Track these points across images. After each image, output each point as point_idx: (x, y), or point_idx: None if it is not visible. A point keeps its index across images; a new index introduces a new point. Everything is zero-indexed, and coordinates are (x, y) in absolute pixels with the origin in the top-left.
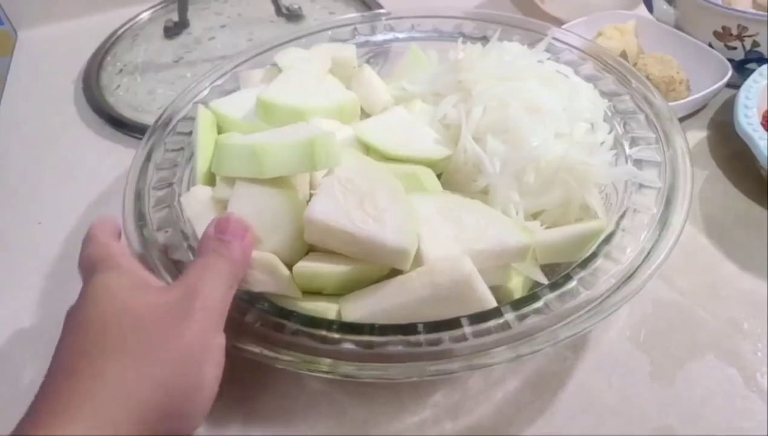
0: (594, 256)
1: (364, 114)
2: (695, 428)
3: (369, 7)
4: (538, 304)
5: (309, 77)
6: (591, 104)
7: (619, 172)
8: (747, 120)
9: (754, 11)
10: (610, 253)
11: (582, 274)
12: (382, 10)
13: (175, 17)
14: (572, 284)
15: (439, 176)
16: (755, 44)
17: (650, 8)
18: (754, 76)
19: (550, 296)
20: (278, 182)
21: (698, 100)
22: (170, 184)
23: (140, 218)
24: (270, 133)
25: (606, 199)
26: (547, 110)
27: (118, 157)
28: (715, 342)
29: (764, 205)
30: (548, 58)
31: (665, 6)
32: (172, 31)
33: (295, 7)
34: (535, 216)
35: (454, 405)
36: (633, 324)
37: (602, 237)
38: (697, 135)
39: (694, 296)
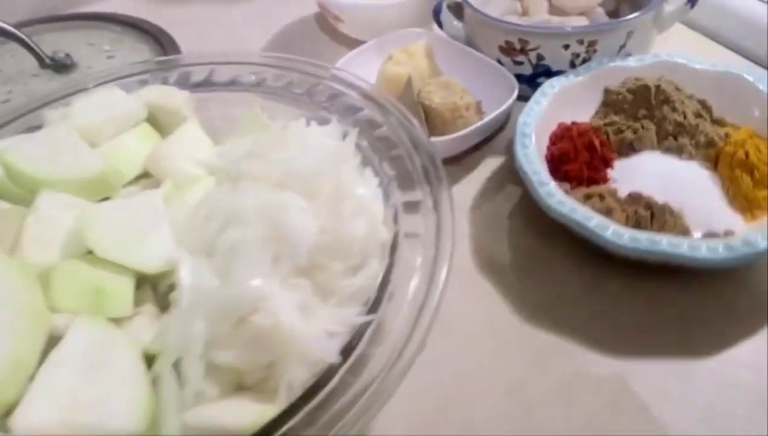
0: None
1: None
2: None
3: (162, 47)
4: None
5: (72, 135)
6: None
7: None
8: (524, 151)
9: (531, 24)
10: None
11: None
12: (171, 57)
13: None
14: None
15: None
16: (540, 57)
17: (440, 25)
18: (535, 96)
19: None
20: None
21: (487, 125)
22: None
23: None
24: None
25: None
26: (290, 239)
27: None
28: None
29: (547, 242)
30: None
31: (455, 22)
32: None
33: (61, 55)
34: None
35: None
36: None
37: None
38: (495, 161)
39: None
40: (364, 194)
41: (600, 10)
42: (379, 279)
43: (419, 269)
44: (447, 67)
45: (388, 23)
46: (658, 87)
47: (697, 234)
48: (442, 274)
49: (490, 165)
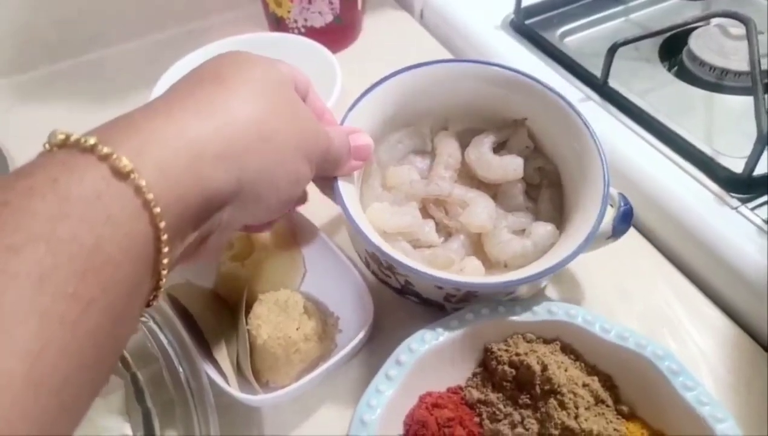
0: None
1: None
2: None
3: None
4: None
5: None
6: None
7: None
8: None
9: (390, 254)
10: None
11: None
12: None
13: None
14: None
15: None
16: (409, 283)
17: None
18: (387, 367)
19: None
20: None
21: (333, 366)
22: None
23: None
24: None
25: None
26: None
27: None
28: None
29: None
30: None
31: None
32: None
33: None
34: None
35: None
36: None
37: None
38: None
39: None
40: None
41: (518, 187)
42: None
43: None
44: (309, 254)
45: None
46: (544, 369)
47: None
48: None
49: (338, 405)
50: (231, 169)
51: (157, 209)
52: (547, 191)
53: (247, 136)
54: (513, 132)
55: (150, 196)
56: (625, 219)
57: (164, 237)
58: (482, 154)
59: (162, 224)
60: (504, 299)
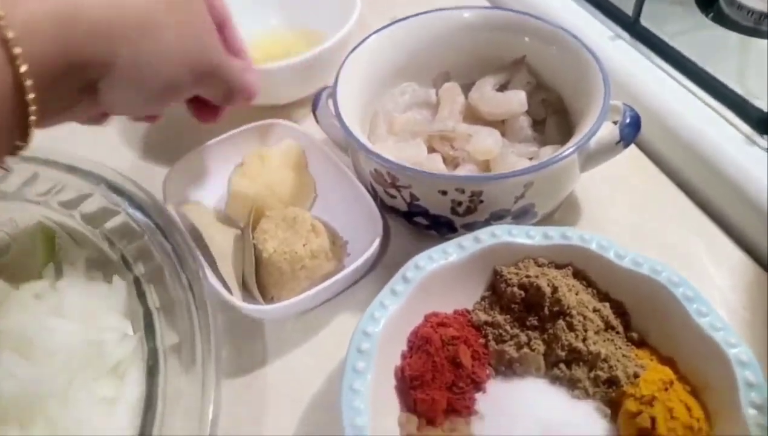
0: None
1: None
2: None
3: None
4: None
5: None
6: None
7: None
8: (352, 391)
9: (393, 160)
10: None
11: None
12: None
13: None
14: None
15: None
16: (414, 197)
17: (317, 120)
18: (393, 283)
19: None
20: None
21: (326, 290)
22: None
23: None
24: None
25: None
26: None
27: None
28: None
29: None
30: None
31: (335, 120)
32: None
33: None
34: None
35: None
36: None
37: None
38: (352, 321)
39: None
40: None
41: (523, 120)
42: None
43: None
44: (320, 179)
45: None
46: (554, 290)
47: None
48: None
49: (343, 326)
50: (101, 48)
51: (24, 67)
52: (552, 119)
53: (127, 22)
54: (514, 72)
55: (17, 50)
56: (632, 124)
57: (31, 96)
58: (485, 92)
59: (29, 83)
60: (515, 211)
